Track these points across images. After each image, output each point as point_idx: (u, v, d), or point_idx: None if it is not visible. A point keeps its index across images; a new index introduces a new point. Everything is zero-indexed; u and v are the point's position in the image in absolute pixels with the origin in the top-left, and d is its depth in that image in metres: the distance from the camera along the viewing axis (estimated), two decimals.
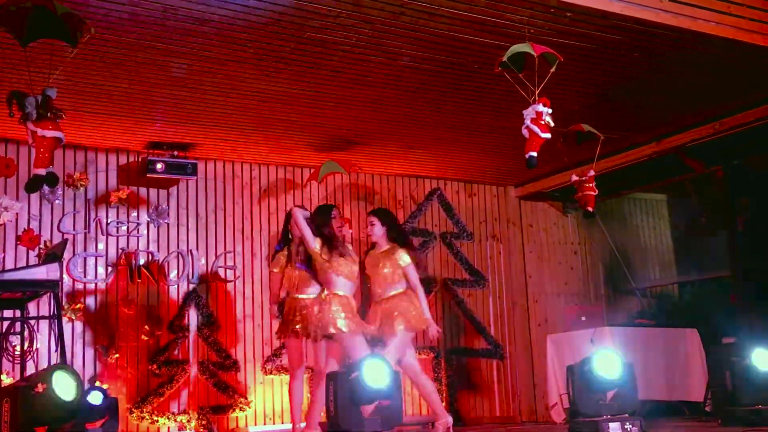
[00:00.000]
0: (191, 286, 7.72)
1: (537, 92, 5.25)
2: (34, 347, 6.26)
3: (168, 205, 7.79)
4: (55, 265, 5.45)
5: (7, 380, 6.50)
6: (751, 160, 7.75)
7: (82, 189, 7.46)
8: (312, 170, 7.94)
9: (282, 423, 7.46)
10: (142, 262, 7.57)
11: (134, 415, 7.19)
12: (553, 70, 5.15)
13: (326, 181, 8.25)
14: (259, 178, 8.26)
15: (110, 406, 5.94)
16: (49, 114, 4.66)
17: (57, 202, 7.35)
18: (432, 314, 8.63)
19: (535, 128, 5.25)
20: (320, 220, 6.01)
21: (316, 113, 6.89)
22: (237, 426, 7.53)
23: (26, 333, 6.11)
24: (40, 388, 4.30)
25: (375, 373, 4.98)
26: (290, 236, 6.32)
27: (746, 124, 7.22)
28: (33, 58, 4.76)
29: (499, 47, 5.29)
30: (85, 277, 7.35)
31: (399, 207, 8.88)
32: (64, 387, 4.38)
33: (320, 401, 5.75)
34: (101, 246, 7.47)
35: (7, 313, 6.24)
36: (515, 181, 9.43)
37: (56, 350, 5.39)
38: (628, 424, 5.06)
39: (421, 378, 6.22)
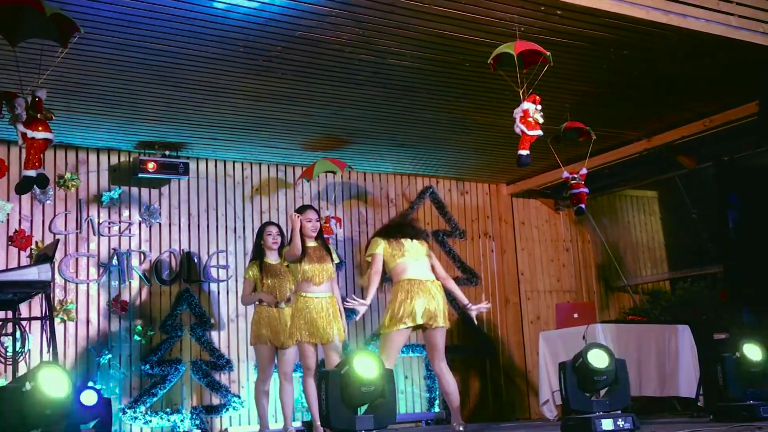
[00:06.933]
0: (183, 286, 7.71)
1: (521, 91, 5.27)
2: (26, 349, 6.24)
3: (160, 204, 7.78)
4: (47, 266, 5.42)
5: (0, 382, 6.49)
6: (740, 156, 7.78)
7: (73, 189, 7.44)
8: (304, 168, 7.93)
9: (275, 422, 7.45)
10: (134, 262, 7.56)
11: (127, 415, 7.19)
12: (551, 64, 5.17)
13: (318, 180, 8.24)
14: (251, 177, 8.25)
15: (103, 407, 5.95)
16: (38, 115, 4.65)
17: (48, 202, 7.33)
18: None
19: (523, 126, 5.28)
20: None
21: (308, 112, 6.89)
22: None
23: (18, 334, 6.08)
24: (27, 386, 4.25)
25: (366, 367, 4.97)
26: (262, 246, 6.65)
27: (736, 120, 7.25)
28: (23, 59, 4.75)
29: (490, 45, 5.31)
30: (77, 277, 7.33)
31: (391, 205, 8.89)
32: (53, 384, 4.32)
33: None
34: (93, 246, 7.45)
35: None
36: (507, 178, 9.45)
37: (48, 351, 5.37)
38: (620, 420, 5.06)
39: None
